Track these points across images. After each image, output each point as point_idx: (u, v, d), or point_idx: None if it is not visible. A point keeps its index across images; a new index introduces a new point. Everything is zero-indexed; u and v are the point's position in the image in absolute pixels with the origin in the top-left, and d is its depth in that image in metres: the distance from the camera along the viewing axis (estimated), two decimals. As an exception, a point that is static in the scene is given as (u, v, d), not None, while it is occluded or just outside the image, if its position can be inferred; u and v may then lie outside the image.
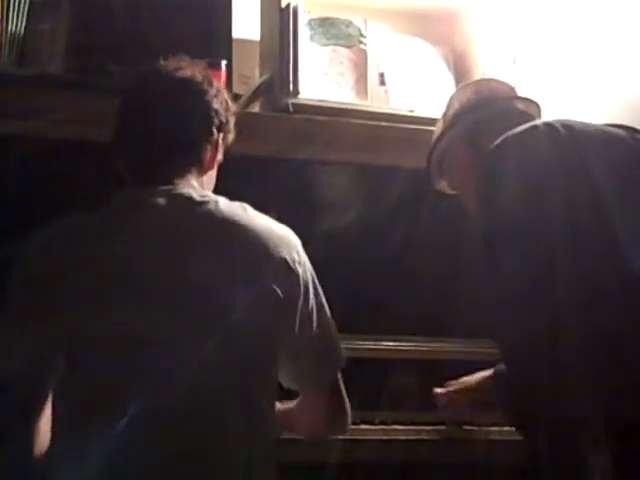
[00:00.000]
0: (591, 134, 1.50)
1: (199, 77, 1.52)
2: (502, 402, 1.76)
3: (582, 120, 1.57)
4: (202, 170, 1.51)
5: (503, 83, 1.84)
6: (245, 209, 1.44)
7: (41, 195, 1.87)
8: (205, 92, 1.51)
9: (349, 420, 1.55)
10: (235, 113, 1.58)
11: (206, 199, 1.42)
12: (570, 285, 1.33)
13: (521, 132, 1.49)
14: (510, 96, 1.79)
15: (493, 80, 1.86)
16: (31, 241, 1.40)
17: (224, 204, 1.42)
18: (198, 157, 1.50)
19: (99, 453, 1.26)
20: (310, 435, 1.65)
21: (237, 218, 1.41)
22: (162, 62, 1.54)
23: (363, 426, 1.83)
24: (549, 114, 2.44)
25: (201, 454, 1.30)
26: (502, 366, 1.79)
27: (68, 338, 1.33)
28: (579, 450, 1.28)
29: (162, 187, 1.42)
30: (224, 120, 1.53)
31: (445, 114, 1.81)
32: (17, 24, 2.02)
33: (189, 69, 1.52)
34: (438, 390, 1.88)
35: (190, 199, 1.41)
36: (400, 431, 1.83)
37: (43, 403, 1.35)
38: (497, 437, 1.83)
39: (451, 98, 1.82)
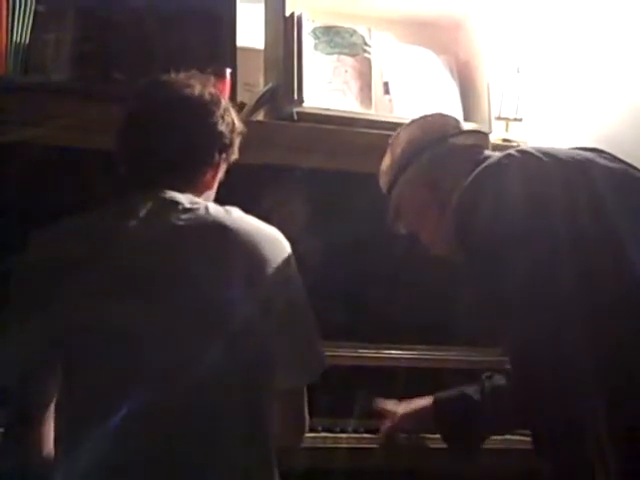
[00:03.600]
0: (565, 156, 1.48)
1: (207, 96, 1.49)
2: (442, 431, 1.75)
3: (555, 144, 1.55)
4: (199, 191, 1.49)
5: (447, 117, 1.78)
6: (230, 212, 1.43)
7: (45, 201, 1.88)
8: (212, 113, 1.48)
9: (305, 430, 1.49)
10: (240, 133, 1.55)
11: (196, 205, 1.41)
12: (574, 292, 1.32)
13: (500, 159, 1.46)
14: (458, 131, 1.72)
15: (438, 115, 1.78)
16: (30, 243, 1.40)
17: (213, 209, 1.42)
18: (196, 179, 1.49)
19: (99, 452, 1.26)
20: None
21: (225, 221, 1.40)
22: (172, 75, 1.51)
23: (366, 435, 1.83)
24: (553, 123, 2.45)
25: (201, 453, 1.30)
26: (442, 395, 1.78)
27: (67, 338, 1.34)
28: (583, 454, 1.27)
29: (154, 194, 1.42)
30: (228, 142, 1.52)
31: (393, 155, 1.73)
32: (22, 33, 2.03)
33: (198, 87, 1.49)
34: (383, 404, 1.85)
35: (180, 204, 1.40)
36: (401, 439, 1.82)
37: (46, 404, 1.36)
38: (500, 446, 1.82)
39: (396, 137, 1.75)
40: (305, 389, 1.47)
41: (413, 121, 1.75)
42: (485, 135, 1.77)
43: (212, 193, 1.54)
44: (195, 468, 1.30)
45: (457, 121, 1.77)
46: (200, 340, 1.32)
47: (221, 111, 1.50)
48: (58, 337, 1.34)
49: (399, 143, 1.73)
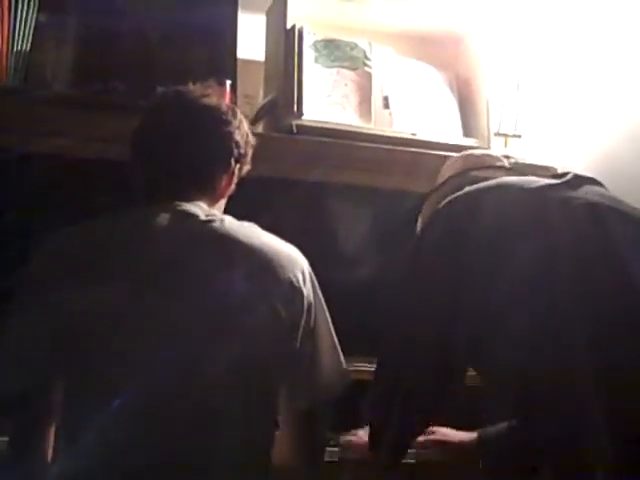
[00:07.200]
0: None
1: (224, 107, 1.52)
2: (491, 466, 1.74)
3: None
4: (214, 199, 1.51)
5: (492, 156, 1.80)
6: (251, 228, 1.45)
7: (45, 211, 1.87)
8: (228, 123, 1.50)
9: (318, 458, 1.51)
10: (253, 145, 1.57)
11: (211, 218, 1.42)
12: (573, 302, 1.33)
13: (453, 197, 1.54)
14: (485, 166, 1.75)
15: (483, 153, 1.84)
16: (34, 246, 1.40)
17: (229, 223, 1.43)
18: (212, 187, 1.50)
19: (99, 452, 1.27)
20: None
21: (241, 237, 1.41)
22: (189, 86, 1.53)
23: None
24: (552, 140, 2.45)
25: (200, 453, 1.30)
26: (490, 431, 1.77)
27: (68, 339, 1.34)
28: (584, 460, 1.28)
29: (169, 205, 1.43)
30: (243, 152, 1.54)
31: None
32: (23, 43, 2.02)
33: (215, 97, 1.52)
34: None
35: (196, 217, 1.41)
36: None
37: (50, 409, 1.37)
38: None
39: (446, 164, 1.82)
40: (315, 414, 1.49)
41: (463, 154, 1.84)
42: (505, 169, 1.76)
43: (224, 202, 1.56)
44: (194, 467, 1.30)
45: (499, 159, 1.79)
46: (203, 346, 1.33)
47: (237, 122, 1.52)
48: (59, 337, 1.34)
49: (443, 171, 1.81)
